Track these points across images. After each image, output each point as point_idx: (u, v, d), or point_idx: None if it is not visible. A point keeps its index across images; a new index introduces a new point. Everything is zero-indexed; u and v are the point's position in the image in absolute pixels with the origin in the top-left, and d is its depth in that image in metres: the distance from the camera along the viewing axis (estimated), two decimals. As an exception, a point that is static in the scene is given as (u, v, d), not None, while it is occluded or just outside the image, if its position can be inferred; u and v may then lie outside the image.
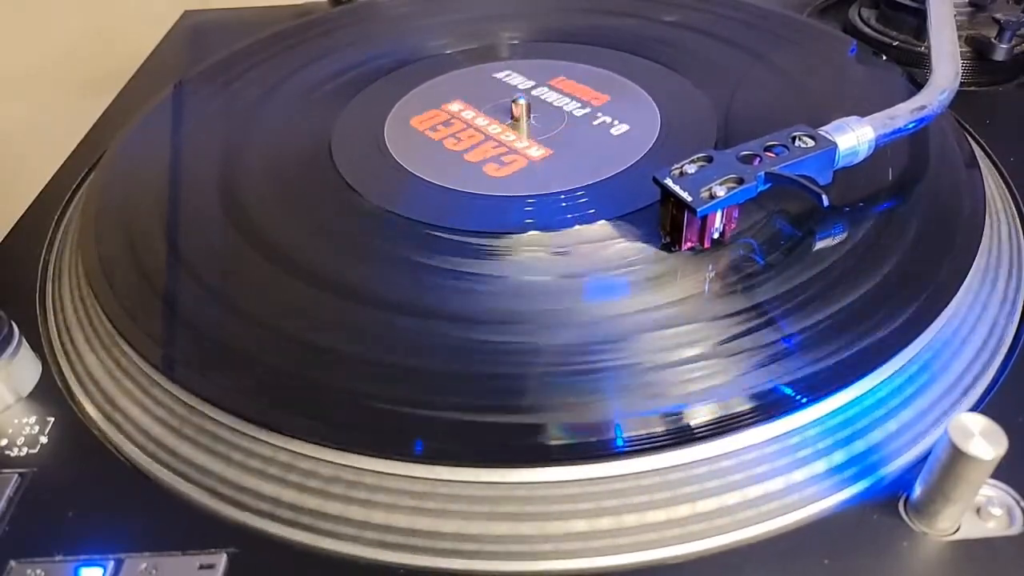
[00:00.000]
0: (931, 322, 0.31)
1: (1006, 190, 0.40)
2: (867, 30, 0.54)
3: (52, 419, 0.32)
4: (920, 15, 0.48)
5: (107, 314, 0.34)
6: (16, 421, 0.32)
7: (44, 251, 0.41)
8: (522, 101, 0.43)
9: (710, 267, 0.34)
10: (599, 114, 0.44)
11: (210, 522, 0.28)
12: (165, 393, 0.31)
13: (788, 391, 0.28)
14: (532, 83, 0.48)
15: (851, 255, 0.34)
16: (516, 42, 0.54)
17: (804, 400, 0.28)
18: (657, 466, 0.27)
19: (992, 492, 0.27)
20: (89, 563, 0.27)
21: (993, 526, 0.26)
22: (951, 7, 0.45)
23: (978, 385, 0.31)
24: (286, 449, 0.29)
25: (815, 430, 0.28)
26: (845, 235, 0.35)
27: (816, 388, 0.28)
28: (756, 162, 0.34)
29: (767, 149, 0.34)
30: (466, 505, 0.27)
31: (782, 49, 0.50)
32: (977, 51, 0.49)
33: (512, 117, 0.44)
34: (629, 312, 0.32)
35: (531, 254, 0.35)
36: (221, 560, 0.26)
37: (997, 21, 0.48)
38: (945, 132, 0.41)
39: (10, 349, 0.32)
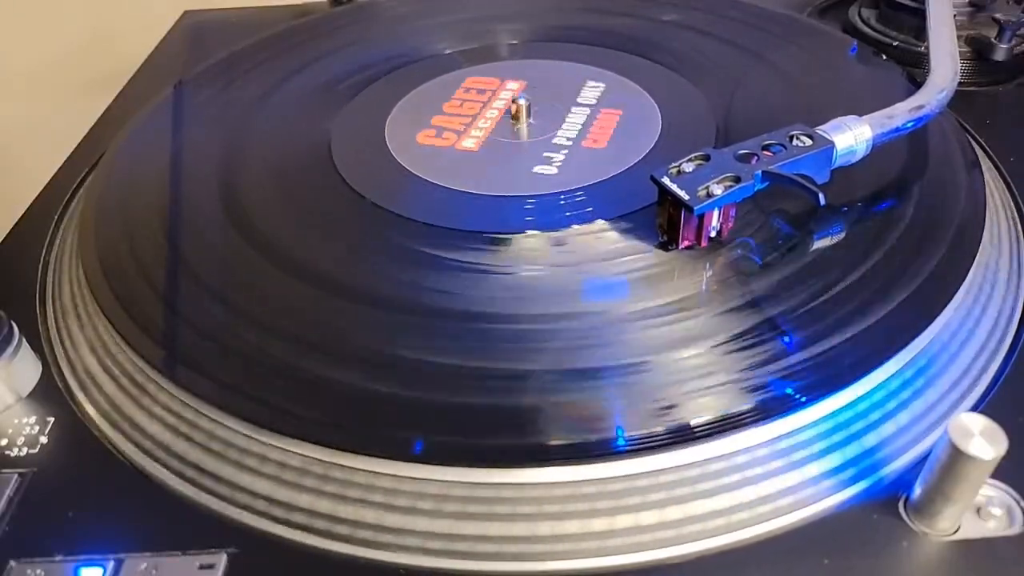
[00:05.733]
0: (931, 322, 0.31)
1: (1006, 190, 0.40)
2: (867, 30, 0.54)
3: (52, 419, 0.32)
4: (920, 15, 0.48)
5: (107, 314, 0.34)
6: (16, 421, 0.32)
7: (44, 251, 0.41)
8: (521, 102, 0.43)
9: (707, 266, 0.34)
10: (563, 155, 0.41)
11: (210, 522, 0.28)
12: (165, 393, 0.31)
13: (788, 391, 0.28)
14: (594, 103, 0.46)
15: (850, 255, 0.34)
16: (515, 42, 0.54)
17: (804, 400, 0.28)
18: (657, 466, 0.27)
19: (992, 492, 0.27)
20: (89, 563, 0.27)
21: (993, 526, 0.26)
22: (951, 7, 0.45)
23: (978, 385, 0.31)
24: (285, 449, 0.29)
25: (815, 430, 0.28)
26: (843, 234, 0.35)
27: (816, 388, 0.28)
28: (753, 161, 0.34)
29: (765, 148, 0.34)
30: (466, 505, 0.27)
31: (782, 49, 0.50)
32: (977, 51, 0.49)
33: (511, 115, 0.44)
34: (627, 312, 0.32)
35: (529, 254, 0.35)
36: (221, 560, 0.26)
37: (997, 21, 0.48)
38: (945, 132, 0.41)
39: (10, 349, 0.32)
